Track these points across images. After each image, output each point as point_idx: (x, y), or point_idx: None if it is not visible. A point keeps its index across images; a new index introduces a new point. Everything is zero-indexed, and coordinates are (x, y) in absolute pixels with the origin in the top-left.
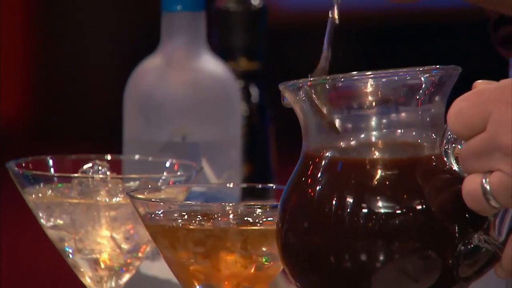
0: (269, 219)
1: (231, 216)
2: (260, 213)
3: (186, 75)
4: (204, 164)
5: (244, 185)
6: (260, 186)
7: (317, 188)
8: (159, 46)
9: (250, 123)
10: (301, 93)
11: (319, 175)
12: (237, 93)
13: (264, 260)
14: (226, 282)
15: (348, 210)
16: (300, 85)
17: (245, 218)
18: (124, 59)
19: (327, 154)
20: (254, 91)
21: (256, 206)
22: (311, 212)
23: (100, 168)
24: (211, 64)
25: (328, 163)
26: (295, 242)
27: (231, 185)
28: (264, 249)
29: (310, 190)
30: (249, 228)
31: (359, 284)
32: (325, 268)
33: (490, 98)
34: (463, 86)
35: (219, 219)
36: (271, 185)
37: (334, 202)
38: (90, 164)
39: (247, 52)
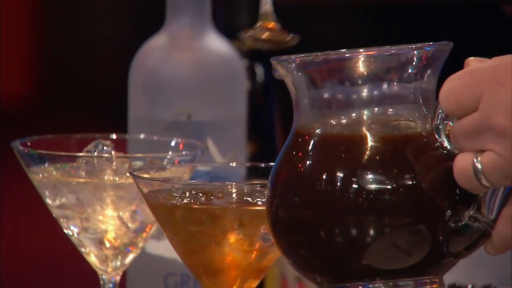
0: None
1: (234, 195)
2: (262, 192)
3: (191, 54)
4: (209, 143)
5: (248, 164)
6: (264, 165)
7: (308, 163)
8: (164, 25)
9: (255, 102)
10: (292, 67)
11: (309, 150)
12: (242, 72)
13: (265, 240)
14: (228, 262)
15: (339, 185)
16: (291, 60)
17: (248, 198)
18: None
19: (317, 130)
20: (259, 70)
21: (259, 186)
22: (301, 187)
23: (105, 147)
24: (216, 43)
25: (319, 138)
26: (286, 218)
27: (235, 164)
28: (263, 228)
29: (300, 165)
30: (251, 208)
31: (350, 258)
32: (316, 244)
33: (483, 78)
34: (454, 62)
35: (223, 198)
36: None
37: (324, 177)
38: (94, 143)
39: None
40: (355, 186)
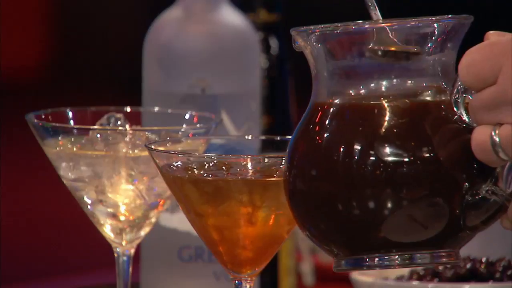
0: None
1: (249, 168)
2: (276, 165)
3: (205, 27)
4: (224, 116)
5: (263, 137)
6: (278, 138)
7: (325, 135)
8: None
9: (270, 75)
10: (312, 38)
11: (327, 122)
12: (256, 45)
13: (280, 212)
14: (243, 234)
15: (356, 157)
16: (310, 31)
17: (263, 170)
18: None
19: (335, 101)
20: (274, 43)
21: (274, 158)
22: (319, 159)
23: (118, 121)
24: (230, 16)
25: (337, 110)
26: (303, 190)
27: (250, 137)
28: (278, 200)
29: (318, 137)
30: (265, 180)
31: (367, 230)
32: (333, 216)
33: (502, 51)
34: (475, 35)
35: (237, 170)
36: (289, 137)
37: (342, 149)
38: (106, 116)
39: (267, 4)
40: (372, 158)
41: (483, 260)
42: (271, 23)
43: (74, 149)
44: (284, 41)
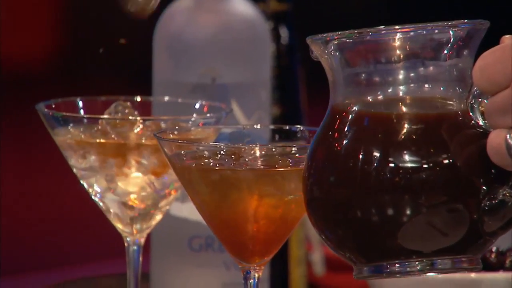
0: (296, 160)
1: (258, 157)
2: (286, 155)
3: (215, 17)
4: (234, 105)
5: (273, 126)
6: (288, 127)
7: (344, 142)
8: None
9: (280, 64)
10: (328, 47)
11: (346, 128)
12: (266, 34)
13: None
14: (253, 224)
15: (375, 164)
16: (328, 39)
17: (271, 160)
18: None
19: (354, 108)
20: (284, 32)
21: (284, 147)
22: (337, 165)
23: (126, 109)
24: (241, 5)
25: (355, 117)
26: (321, 196)
27: (259, 126)
28: (287, 190)
29: (336, 144)
30: (275, 170)
31: (385, 238)
32: (351, 222)
33: None
34: (492, 40)
35: (246, 159)
36: (299, 126)
37: (360, 156)
38: (114, 105)
39: None
40: (391, 164)
41: (493, 249)
42: (281, 12)
43: (83, 136)
44: (294, 30)
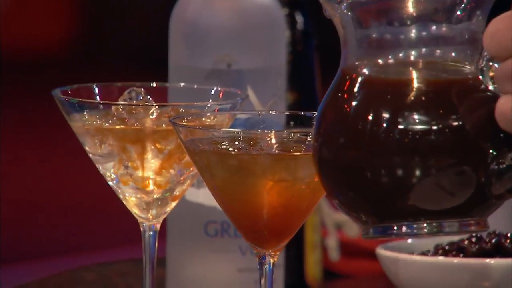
0: (311, 146)
1: (274, 143)
2: (301, 140)
3: (231, 2)
4: (249, 91)
5: (288, 113)
6: (304, 113)
7: (353, 103)
8: None
9: (295, 50)
10: (341, 5)
11: (355, 90)
12: (282, 20)
13: (304, 186)
14: (268, 209)
15: (384, 125)
16: None
17: (286, 145)
18: None
19: (364, 70)
20: (299, 18)
21: (299, 134)
22: (347, 127)
23: (140, 96)
24: None
25: (366, 79)
26: (331, 158)
27: (274, 112)
28: (302, 175)
29: (346, 106)
30: (290, 155)
31: (395, 199)
32: (361, 184)
33: None
34: (504, 4)
35: (261, 145)
36: (314, 112)
37: (370, 117)
38: (128, 91)
39: None
40: (400, 126)
41: (509, 235)
42: None
43: (99, 122)
44: (309, 16)
